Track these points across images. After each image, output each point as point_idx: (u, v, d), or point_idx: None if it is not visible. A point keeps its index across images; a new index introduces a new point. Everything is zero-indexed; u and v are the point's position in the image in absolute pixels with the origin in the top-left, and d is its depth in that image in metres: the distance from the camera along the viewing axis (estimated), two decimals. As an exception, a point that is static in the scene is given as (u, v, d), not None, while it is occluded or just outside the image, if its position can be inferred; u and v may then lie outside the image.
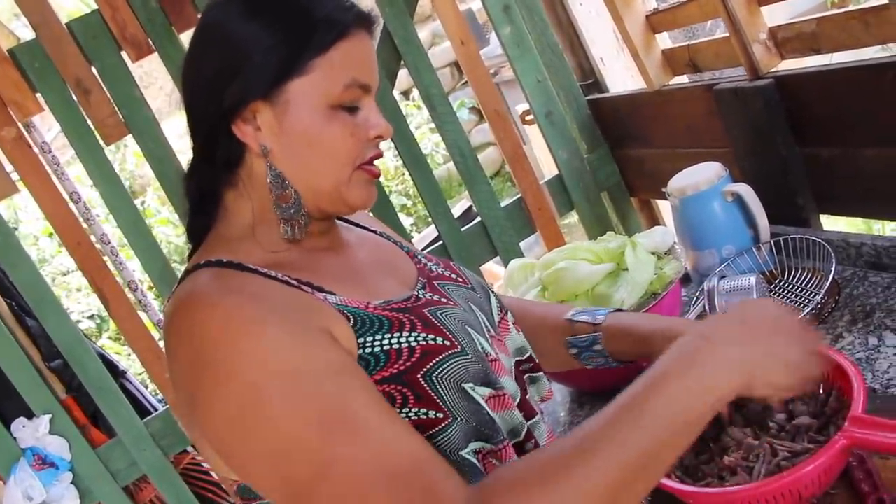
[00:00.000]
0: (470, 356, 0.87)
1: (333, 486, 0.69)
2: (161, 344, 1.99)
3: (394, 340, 0.83)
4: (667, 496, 0.85)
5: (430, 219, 2.15)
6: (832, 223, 1.72)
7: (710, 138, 1.75)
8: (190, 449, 2.10)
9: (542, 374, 1.06)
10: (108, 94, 1.81)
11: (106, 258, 1.93)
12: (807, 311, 1.26)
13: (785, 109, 1.50)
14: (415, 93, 6.90)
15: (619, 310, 1.14)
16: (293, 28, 0.85)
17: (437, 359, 0.84)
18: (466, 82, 2.94)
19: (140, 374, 3.67)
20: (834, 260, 1.30)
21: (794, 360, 0.79)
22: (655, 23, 1.87)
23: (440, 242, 2.09)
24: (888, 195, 1.39)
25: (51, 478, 1.79)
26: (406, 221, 6.29)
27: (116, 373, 2.10)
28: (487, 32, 6.10)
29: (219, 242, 0.91)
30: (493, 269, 3.11)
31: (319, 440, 0.70)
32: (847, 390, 0.85)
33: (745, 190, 1.46)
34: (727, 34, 1.59)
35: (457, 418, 0.82)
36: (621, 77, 2.14)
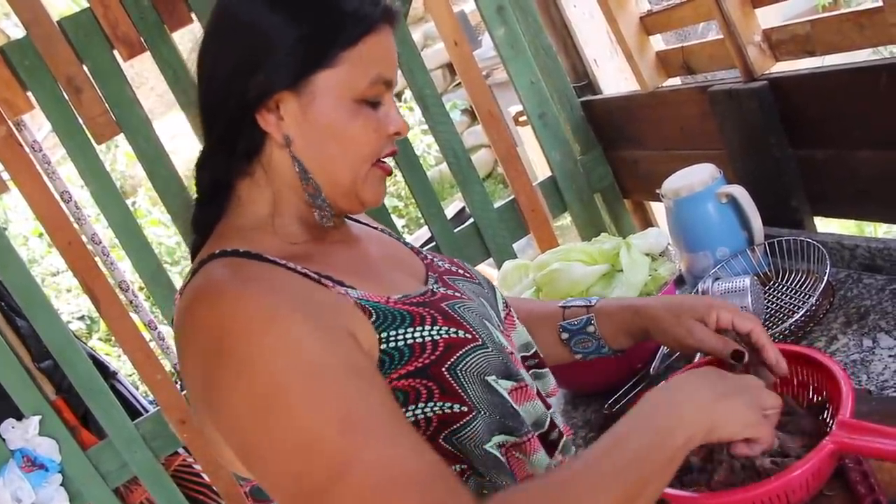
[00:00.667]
0: (490, 349, 0.87)
1: (351, 487, 0.67)
2: (153, 345, 1.99)
3: (416, 335, 0.83)
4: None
5: (422, 220, 2.14)
6: (824, 225, 1.72)
7: (704, 140, 1.75)
8: (181, 450, 2.09)
9: (547, 369, 1.06)
10: (100, 93, 1.80)
11: (97, 258, 1.92)
12: (802, 312, 1.26)
13: (779, 111, 1.51)
14: (407, 94, 6.89)
15: None
16: (322, 20, 0.85)
17: (461, 352, 0.84)
18: (459, 84, 2.94)
19: (131, 376, 3.65)
20: (828, 262, 1.30)
21: (750, 398, 0.81)
22: (649, 24, 1.87)
23: (433, 244, 2.09)
24: (882, 197, 1.40)
25: (40, 479, 1.78)
26: (398, 223, 6.29)
27: (107, 373, 2.09)
28: (480, 34, 6.10)
29: (233, 232, 0.89)
30: (486, 271, 3.10)
31: (339, 439, 0.69)
32: (836, 395, 0.85)
33: (739, 192, 1.46)
34: (721, 36, 1.59)
35: (481, 411, 0.83)
36: (615, 79, 2.15)
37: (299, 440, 0.70)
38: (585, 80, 2.19)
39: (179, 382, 2.06)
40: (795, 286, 1.39)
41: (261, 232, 0.89)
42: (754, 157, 1.57)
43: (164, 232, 6.12)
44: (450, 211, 4.86)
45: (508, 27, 2.05)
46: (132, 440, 1.88)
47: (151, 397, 2.26)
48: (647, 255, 1.46)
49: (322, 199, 0.89)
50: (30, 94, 1.77)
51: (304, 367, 0.72)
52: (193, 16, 1.84)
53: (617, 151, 2.15)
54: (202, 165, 0.93)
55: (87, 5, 1.77)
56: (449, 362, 0.83)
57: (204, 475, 2.13)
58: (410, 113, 6.96)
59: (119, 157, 7.16)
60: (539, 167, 3.76)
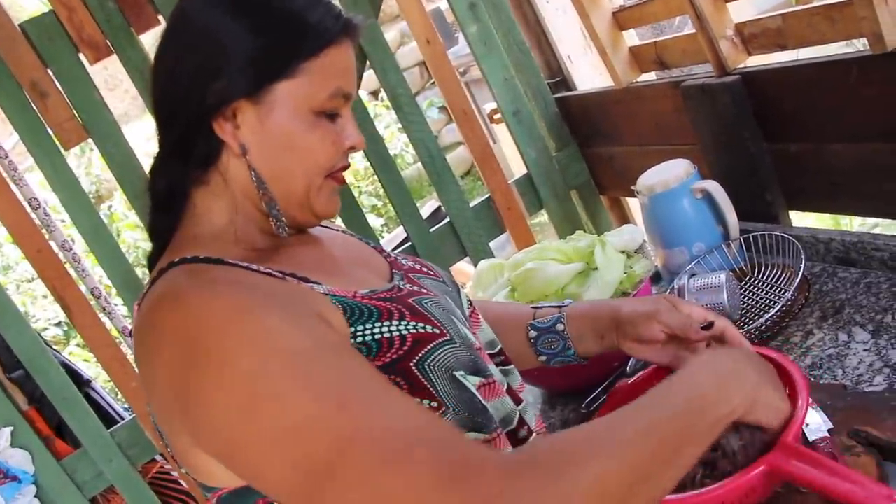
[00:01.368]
0: (458, 344, 0.87)
1: (358, 459, 0.64)
2: (127, 352, 1.96)
3: (384, 329, 0.82)
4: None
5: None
6: (800, 219, 1.72)
7: (678, 135, 1.75)
8: (158, 458, 2.07)
9: (513, 366, 1.06)
10: (66, 98, 1.77)
11: (68, 265, 1.88)
12: (777, 308, 1.25)
13: (752, 105, 1.50)
14: (383, 93, 6.87)
15: None
16: (284, 30, 0.85)
17: (428, 347, 0.83)
18: (435, 82, 2.93)
19: (108, 383, 3.61)
20: (803, 256, 1.30)
21: (782, 389, 0.85)
22: (622, 20, 1.87)
23: (409, 244, 2.07)
24: (855, 190, 1.40)
25: (13, 492, 1.74)
26: (377, 222, 6.26)
27: (81, 382, 2.05)
28: (456, 31, 6.08)
29: (189, 242, 0.88)
30: (463, 269, 3.09)
31: (335, 416, 0.66)
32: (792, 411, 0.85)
33: (713, 187, 1.46)
34: (694, 31, 1.58)
35: (450, 408, 0.82)
36: (589, 75, 2.14)
37: (293, 424, 0.67)
38: (560, 77, 2.18)
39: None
40: (771, 281, 1.39)
41: (219, 240, 0.88)
42: (728, 151, 1.57)
43: (141, 235, 6.05)
44: (426, 210, 4.85)
45: (481, 24, 2.04)
46: (108, 449, 1.85)
47: (127, 405, 2.23)
48: (623, 252, 1.46)
49: (277, 210, 0.89)
50: (-7, 99, 1.73)
51: (285, 353, 0.70)
52: (160, 17, 1.81)
53: (592, 148, 2.14)
54: (157, 171, 0.92)
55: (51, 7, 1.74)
56: (417, 357, 0.82)
57: (182, 482, 2.11)
58: (387, 111, 6.94)
59: (94, 160, 7.07)
60: (515, 164, 3.75)
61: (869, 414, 0.95)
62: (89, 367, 4.18)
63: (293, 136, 0.87)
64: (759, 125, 1.51)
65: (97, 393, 2.18)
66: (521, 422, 0.93)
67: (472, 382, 0.86)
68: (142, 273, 2.31)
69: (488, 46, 2.05)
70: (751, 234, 1.45)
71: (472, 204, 2.11)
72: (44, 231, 1.85)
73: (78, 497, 1.85)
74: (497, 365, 1.02)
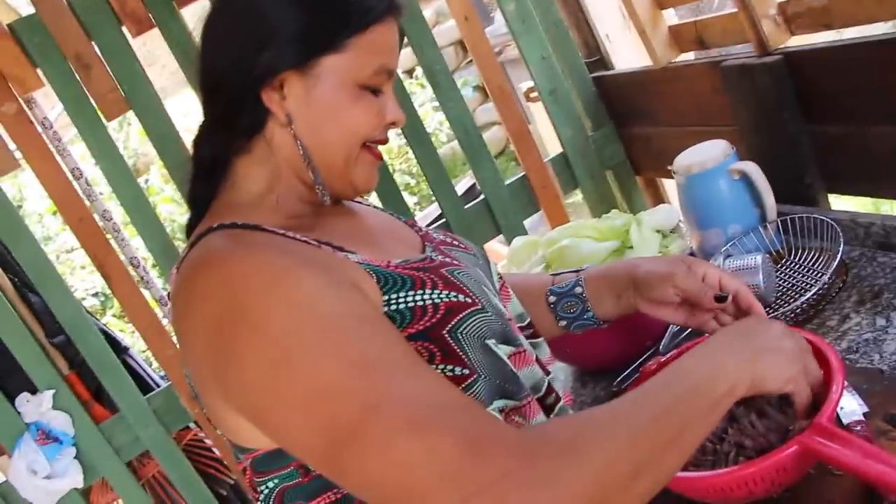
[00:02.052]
0: (490, 313, 0.88)
1: (384, 423, 0.65)
2: (164, 321, 2.00)
3: (417, 298, 0.83)
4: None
5: (433, 197, 2.14)
6: (839, 203, 1.70)
7: (716, 116, 1.73)
8: (192, 425, 2.11)
9: (542, 339, 1.08)
10: (109, 70, 1.80)
11: (108, 235, 1.92)
12: (814, 291, 1.24)
13: (793, 86, 1.48)
14: (418, 71, 6.85)
15: None
16: (333, 5, 0.87)
17: (461, 315, 0.85)
18: (471, 61, 2.91)
19: (144, 352, 3.68)
20: (842, 240, 1.29)
21: (792, 352, 0.83)
22: (662, -1, 1.85)
23: (443, 220, 2.08)
24: (897, 174, 1.38)
25: (54, 452, 1.80)
26: (410, 200, 6.28)
27: (119, 349, 2.09)
28: (492, 11, 6.04)
29: (229, 208, 0.90)
30: (495, 248, 3.09)
31: (364, 381, 0.68)
32: (827, 392, 0.85)
33: (751, 168, 1.45)
34: (735, 10, 1.56)
35: (482, 375, 0.83)
36: (627, 54, 2.12)
37: (323, 387, 0.68)
38: (597, 56, 2.16)
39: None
40: (808, 264, 1.38)
41: (257, 207, 0.90)
42: (768, 132, 1.55)
43: (176, 209, 6.13)
44: (461, 187, 4.85)
45: (519, 2, 2.03)
46: (144, 415, 1.90)
47: (163, 372, 2.27)
48: (658, 231, 1.45)
49: (320, 181, 0.91)
50: (39, 71, 1.76)
51: (320, 318, 0.72)
52: (202, -9, 1.83)
53: (629, 128, 2.12)
54: (201, 139, 0.94)
55: (96, -19, 1.76)
56: (450, 325, 0.83)
57: (215, 449, 2.15)
58: (422, 90, 6.93)
59: (132, 134, 7.16)
60: (550, 144, 3.74)
61: (905, 398, 0.95)
62: (125, 336, 4.26)
63: (337, 109, 0.88)
64: (800, 106, 1.49)
65: (134, 360, 2.22)
66: (550, 389, 0.95)
67: (503, 351, 0.88)
68: (179, 244, 2.35)
69: (526, 25, 2.04)
70: (788, 217, 1.43)
71: (507, 182, 2.11)
72: (85, 201, 1.89)
73: (115, 460, 1.90)
74: (526, 338, 1.03)
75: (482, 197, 2.09)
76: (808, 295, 1.24)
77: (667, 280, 1.04)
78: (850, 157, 1.46)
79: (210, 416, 0.85)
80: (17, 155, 1.80)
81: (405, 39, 1.99)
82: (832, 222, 1.33)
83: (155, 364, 2.79)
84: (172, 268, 0.89)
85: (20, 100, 1.76)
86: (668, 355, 1.10)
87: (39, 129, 1.83)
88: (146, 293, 2.12)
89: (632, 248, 1.40)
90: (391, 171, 2.11)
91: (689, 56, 1.91)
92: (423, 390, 0.68)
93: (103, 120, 1.82)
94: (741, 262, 1.31)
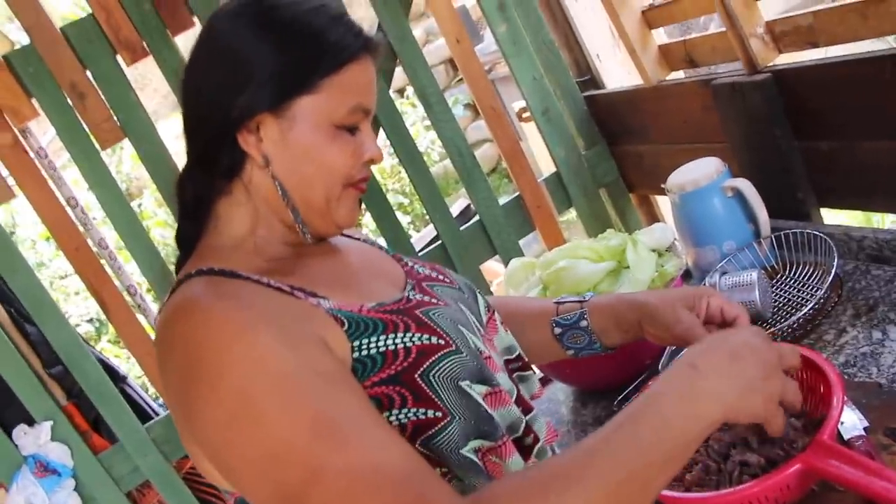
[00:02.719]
0: (465, 354, 0.88)
1: (325, 491, 0.68)
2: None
3: (389, 342, 0.84)
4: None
5: (427, 218, 2.14)
6: (832, 217, 1.71)
7: (708, 133, 1.75)
8: (192, 453, 2.10)
9: (531, 372, 1.08)
10: (104, 98, 1.81)
11: (104, 262, 1.92)
12: (810, 306, 1.25)
13: (783, 103, 1.50)
14: (409, 90, 6.88)
15: None
16: (306, 48, 0.88)
17: (433, 358, 0.85)
18: (461, 79, 2.94)
19: (140, 378, 3.66)
20: (836, 254, 1.30)
21: (772, 391, 0.79)
22: (651, 18, 1.87)
23: (439, 242, 2.08)
24: (889, 188, 1.39)
25: (53, 485, 1.78)
26: (403, 220, 6.28)
27: (117, 378, 2.09)
28: (481, 29, 6.09)
29: (210, 251, 0.92)
30: (493, 268, 3.10)
31: (311, 444, 0.70)
32: (828, 409, 0.85)
33: (744, 185, 1.46)
34: (724, 29, 1.58)
35: (455, 417, 0.83)
36: (618, 73, 2.14)
37: (271, 448, 0.71)
38: (588, 75, 2.18)
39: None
40: (803, 279, 1.39)
41: (237, 251, 0.91)
42: (759, 149, 1.57)
43: (170, 233, 6.13)
44: (455, 208, 4.86)
45: (510, 23, 2.05)
46: (143, 444, 1.89)
47: (161, 401, 2.27)
48: (654, 250, 1.46)
49: (300, 220, 0.92)
50: (34, 100, 1.77)
51: (273, 376, 0.74)
52: (195, 19, 1.84)
53: (621, 146, 2.14)
54: (184, 180, 0.96)
55: (90, 10, 1.77)
56: (422, 368, 0.84)
57: (215, 477, 2.14)
58: (414, 109, 6.96)
59: (124, 158, 7.18)
60: (543, 163, 3.76)
61: (904, 412, 0.95)
62: (120, 362, 4.24)
63: (314, 149, 0.89)
64: (790, 123, 1.51)
65: (132, 388, 2.22)
66: (528, 429, 0.94)
67: (477, 391, 0.87)
68: (173, 269, 2.35)
69: (517, 46, 2.06)
70: (782, 233, 1.45)
71: (501, 202, 2.12)
72: (80, 228, 1.89)
73: (115, 491, 1.89)
74: (514, 371, 1.04)
75: (477, 218, 2.10)
76: (805, 310, 1.25)
77: (674, 319, 1.01)
78: (841, 172, 1.47)
79: (189, 455, 0.87)
80: (12, 182, 1.81)
81: (397, 60, 2.01)
82: (826, 237, 1.35)
83: (151, 390, 2.78)
84: (160, 308, 0.91)
85: (15, 130, 1.76)
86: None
87: (34, 158, 1.84)
88: (142, 319, 2.11)
89: (628, 267, 1.41)
90: (384, 190, 2.11)
91: (680, 75, 1.93)
92: (369, 454, 0.70)
93: (97, 147, 1.83)
94: (737, 279, 1.32)
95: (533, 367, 1.11)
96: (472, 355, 0.90)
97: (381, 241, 1.73)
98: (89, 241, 1.90)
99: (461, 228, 2.09)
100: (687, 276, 1.61)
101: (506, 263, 1.81)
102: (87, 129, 1.81)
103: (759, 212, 1.46)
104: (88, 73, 1.80)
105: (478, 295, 1.09)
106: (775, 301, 1.37)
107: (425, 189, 2.06)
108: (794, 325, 1.25)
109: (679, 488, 0.90)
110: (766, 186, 1.49)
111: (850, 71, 1.37)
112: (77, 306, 5.74)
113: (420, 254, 2.06)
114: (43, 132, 3.94)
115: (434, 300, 0.96)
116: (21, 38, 1.84)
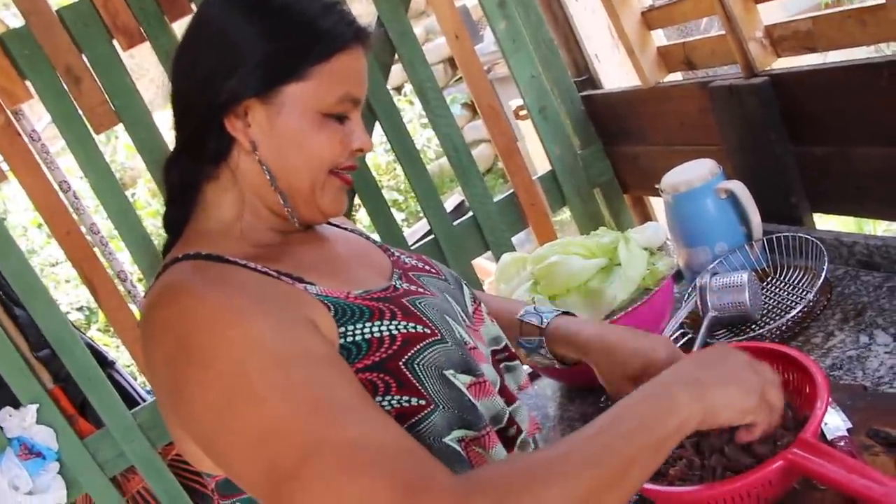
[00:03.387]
0: (449, 344, 0.89)
1: (318, 469, 0.67)
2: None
3: (374, 329, 0.84)
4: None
5: (421, 214, 2.14)
6: (823, 222, 1.72)
7: (704, 135, 1.75)
8: (178, 441, 2.09)
9: (517, 362, 1.08)
10: (99, 83, 1.80)
11: (95, 248, 1.91)
12: (799, 308, 1.26)
13: (779, 107, 1.50)
14: (406, 88, 6.88)
15: (567, 312, 1.17)
16: (297, 34, 0.88)
17: (418, 346, 0.85)
18: (460, 78, 2.94)
19: (129, 366, 3.65)
20: (826, 258, 1.30)
21: (750, 384, 0.81)
22: (651, 19, 1.87)
23: (432, 236, 2.08)
24: (881, 195, 1.40)
25: (37, 468, 1.78)
26: (398, 216, 6.27)
27: (104, 363, 2.08)
28: (481, 29, 6.09)
29: (197, 236, 0.92)
30: (483, 265, 3.10)
31: (306, 422, 0.70)
32: (812, 408, 0.86)
33: (738, 187, 1.46)
34: (723, 32, 1.58)
35: (439, 405, 0.83)
36: (616, 74, 2.14)
37: (265, 427, 0.70)
38: (586, 75, 2.18)
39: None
40: (793, 282, 1.39)
41: (224, 236, 0.92)
42: (754, 153, 1.57)
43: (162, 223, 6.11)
44: (449, 204, 4.86)
45: (510, 21, 2.05)
46: (129, 429, 1.88)
47: (149, 387, 2.26)
48: (646, 249, 1.46)
49: (289, 204, 0.92)
50: (28, 83, 1.76)
51: (267, 357, 0.74)
52: (193, 5, 1.83)
53: (617, 146, 2.14)
54: (171, 165, 0.96)
55: (87, -6, 1.77)
56: (406, 356, 0.84)
57: (200, 466, 2.13)
58: (411, 107, 6.96)
59: (119, 148, 7.13)
60: (539, 161, 3.76)
61: (889, 415, 0.96)
62: (109, 351, 4.22)
63: (301, 136, 0.90)
64: (786, 127, 1.51)
65: (120, 374, 2.21)
66: (511, 421, 0.94)
67: (461, 381, 0.88)
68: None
69: (516, 44, 2.06)
70: (774, 236, 1.45)
71: (495, 199, 2.12)
72: (73, 214, 1.89)
73: (99, 475, 1.88)
74: (501, 361, 1.04)
75: (471, 214, 2.10)
76: (794, 312, 1.25)
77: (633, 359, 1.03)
78: (835, 178, 1.48)
79: (173, 440, 0.87)
80: (4, 166, 1.80)
81: (395, 56, 2.01)
82: (817, 241, 1.35)
83: (140, 378, 2.77)
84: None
85: (8, 111, 1.75)
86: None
87: (27, 141, 1.83)
88: (133, 307, 2.10)
89: (620, 265, 1.41)
90: (379, 187, 2.11)
91: (677, 76, 1.94)
92: (365, 431, 0.70)
93: (92, 133, 1.82)
94: (727, 280, 1.32)
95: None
96: (457, 345, 0.90)
97: (375, 236, 1.73)
98: (81, 227, 1.89)
99: (454, 224, 2.09)
100: (678, 276, 1.61)
101: (498, 260, 1.81)
102: (81, 115, 1.80)
103: (752, 214, 1.47)
104: (84, 57, 1.79)
105: (464, 286, 1.09)
106: (765, 303, 1.37)
107: (421, 185, 2.06)
108: (783, 328, 1.26)
109: (663, 482, 0.90)
110: (759, 189, 1.50)
111: (846, 76, 1.38)
112: (67, 294, 5.72)
113: (412, 248, 2.06)
114: (38, 118, 3.92)
115: (421, 290, 0.96)
116: (16, 24, 1.83)
